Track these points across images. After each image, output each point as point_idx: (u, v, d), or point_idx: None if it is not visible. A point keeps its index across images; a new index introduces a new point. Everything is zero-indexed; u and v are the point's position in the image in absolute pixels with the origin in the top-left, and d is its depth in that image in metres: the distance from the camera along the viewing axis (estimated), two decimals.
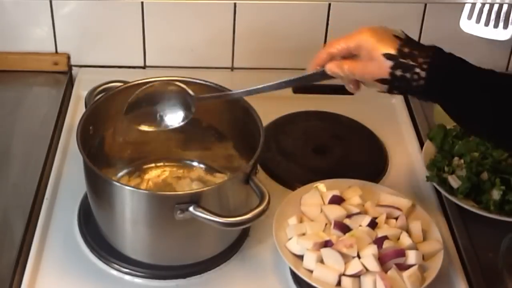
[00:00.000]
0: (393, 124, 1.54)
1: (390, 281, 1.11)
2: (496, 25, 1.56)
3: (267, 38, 1.61)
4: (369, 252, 1.14)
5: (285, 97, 1.57)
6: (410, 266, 1.14)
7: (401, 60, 1.01)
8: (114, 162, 1.35)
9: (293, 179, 1.38)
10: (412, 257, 1.15)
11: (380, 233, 1.18)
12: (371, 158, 1.46)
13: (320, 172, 1.40)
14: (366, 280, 1.13)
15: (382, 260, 1.14)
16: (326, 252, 1.15)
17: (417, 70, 1.00)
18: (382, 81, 1.04)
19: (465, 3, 1.54)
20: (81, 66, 1.64)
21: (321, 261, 1.15)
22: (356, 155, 1.46)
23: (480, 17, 1.55)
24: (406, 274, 1.13)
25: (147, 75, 1.34)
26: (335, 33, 1.60)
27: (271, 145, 1.44)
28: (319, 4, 1.59)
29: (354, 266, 1.14)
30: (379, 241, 1.16)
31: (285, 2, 1.58)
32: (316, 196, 1.26)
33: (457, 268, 1.23)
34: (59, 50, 1.63)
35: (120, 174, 1.36)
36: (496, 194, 1.30)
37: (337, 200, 1.25)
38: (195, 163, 1.39)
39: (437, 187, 1.34)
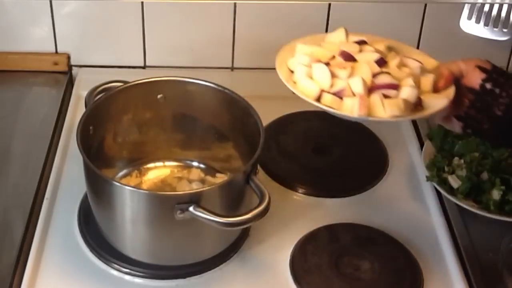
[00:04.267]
0: (393, 124, 1.54)
1: (367, 102, 1.07)
2: (496, 25, 1.56)
3: (267, 38, 1.61)
4: (360, 75, 1.10)
5: (285, 97, 1.57)
6: None
7: (494, 75, 1.08)
8: (114, 162, 1.35)
9: (293, 179, 1.38)
10: (405, 92, 1.09)
11: (384, 70, 1.13)
12: (371, 158, 1.46)
13: (320, 172, 1.40)
14: (348, 102, 1.08)
15: (371, 90, 1.10)
16: (316, 66, 1.12)
17: (507, 88, 1.07)
18: (470, 91, 1.09)
19: (465, 3, 1.54)
20: (81, 66, 1.64)
21: (311, 77, 1.12)
22: (356, 155, 1.46)
23: (480, 17, 1.55)
24: (387, 100, 1.08)
25: (147, 75, 1.34)
26: None
27: (271, 145, 1.44)
28: (319, 4, 1.59)
29: (339, 85, 1.10)
30: (377, 74, 1.12)
31: (285, 2, 1.58)
32: (341, 36, 1.20)
33: (457, 268, 1.23)
34: (59, 50, 1.63)
35: (120, 174, 1.36)
36: (496, 194, 1.30)
37: (362, 44, 1.19)
38: (195, 163, 1.39)
39: (437, 187, 1.34)
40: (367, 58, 1.14)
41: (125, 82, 1.30)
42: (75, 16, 1.58)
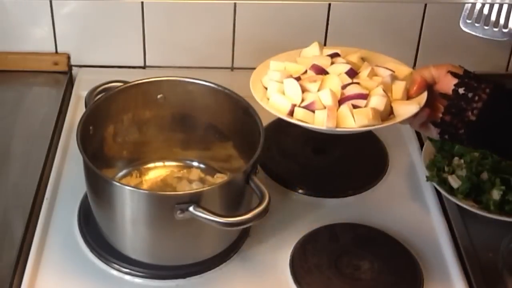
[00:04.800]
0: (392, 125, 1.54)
1: (336, 114, 1.09)
2: (496, 25, 1.56)
3: (267, 38, 1.61)
4: (328, 87, 1.12)
5: None
6: None
7: (466, 80, 1.08)
8: (114, 162, 1.35)
9: (293, 179, 1.38)
10: (374, 101, 1.10)
11: (355, 81, 1.14)
12: (371, 158, 1.46)
13: (320, 172, 1.40)
14: (319, 115, 1.10)
15: (341, 101, 1.11)
16: (287, 82, 1.14)
17: (479, 92, 1.07)
18: (443, 96, 1.10)
19: (465, 3, 1.54)
20: (81, 66, 1.64)
21: (283, 92, 1.14)
22: (356, 155, 1.46)
23: (480, 17, 1.55)
24: (356, 110, 1.09)
25: (147, 75, 1.34)
26: (335, 33, 1.61)
27: (271, 145, 1.44)
28: (319, 4, 1.59)
29: (310, 98, 1.12)
30: (346, 85, 1.13)
31: (285, 2, 1.58)
32: (315, 50, 1.22)
33: (457, 268, 1.23)
34: (59, 50, 1.63)
35: (120, 174, 1.36)
36: (496, 194, 1.30)
37: (334, 56, 1.20)
38: (195, 163, 1.39)
39: (437, 187, 1.34)
40: (338, 70, 1.16)
41: (125, 82, 1.30)
42: (75, 16, 1.58)
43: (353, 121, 1.08)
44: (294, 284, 1.19)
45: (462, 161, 1.36)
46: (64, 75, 1.62)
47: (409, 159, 1.46)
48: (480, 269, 1.22)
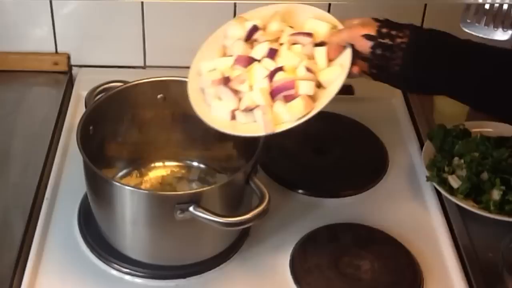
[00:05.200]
0: (393, 124, 1.54)
1: (269, 115, 1.11)
2: (496, 25, 1.56)
3: None
4: (257, 87, 1.13)
5: None
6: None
7: (381, 40, 1.10)
8: (114, 162, 1.35)
9: (293, 179, 1.38)
10: (302, 87, 1.12)
11: (279, 63, 1.15)
12: (371, 158, 1.46)
13: (320, 172, 1.40)
14: (257, 114, 1.12)
15: (273, 94, 1.13)
16: (220, 89, 1.15)
17: (395, 48, 1.09)
18: (363, 59, 1.12)
19: (465, 3, 1.54)
20: (81, 66, 1.64)
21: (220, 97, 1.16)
22: (356, 155, 1.46)
23: (480, 17, 1.55)
24: (288, 106, 1.11)
25: (147, 75, 1.34)
26: None
27: (271, 145, 1.44)
28: (319, 4, 1.58)
29: (245, 101, 1.13)
30: (272, 74, 1.14)
31: (285, 2, 1.57)
32: (238, 28, 1.22)
33: (457, 268, 1.23)
34: (59, 50, 1.63)
35: (120, 174, 1.36)
36: (496, 194, 1.30)
37: (255, 31, 1.20)
38: (195, 163, 1.39)
39: (437, 187, 1.34)
40: (260, 53, 1.16)
41: (125, 82, 1.30)
42: (75, 16, 1.58)
43: (289, 116, 1.10)
44: (294, 284, 1.19)
45: (462, 161, 1.36)
46: (64, 75, 1.63)
47: (409, 159, 1.46)
48: (480, 269, 1.23)
